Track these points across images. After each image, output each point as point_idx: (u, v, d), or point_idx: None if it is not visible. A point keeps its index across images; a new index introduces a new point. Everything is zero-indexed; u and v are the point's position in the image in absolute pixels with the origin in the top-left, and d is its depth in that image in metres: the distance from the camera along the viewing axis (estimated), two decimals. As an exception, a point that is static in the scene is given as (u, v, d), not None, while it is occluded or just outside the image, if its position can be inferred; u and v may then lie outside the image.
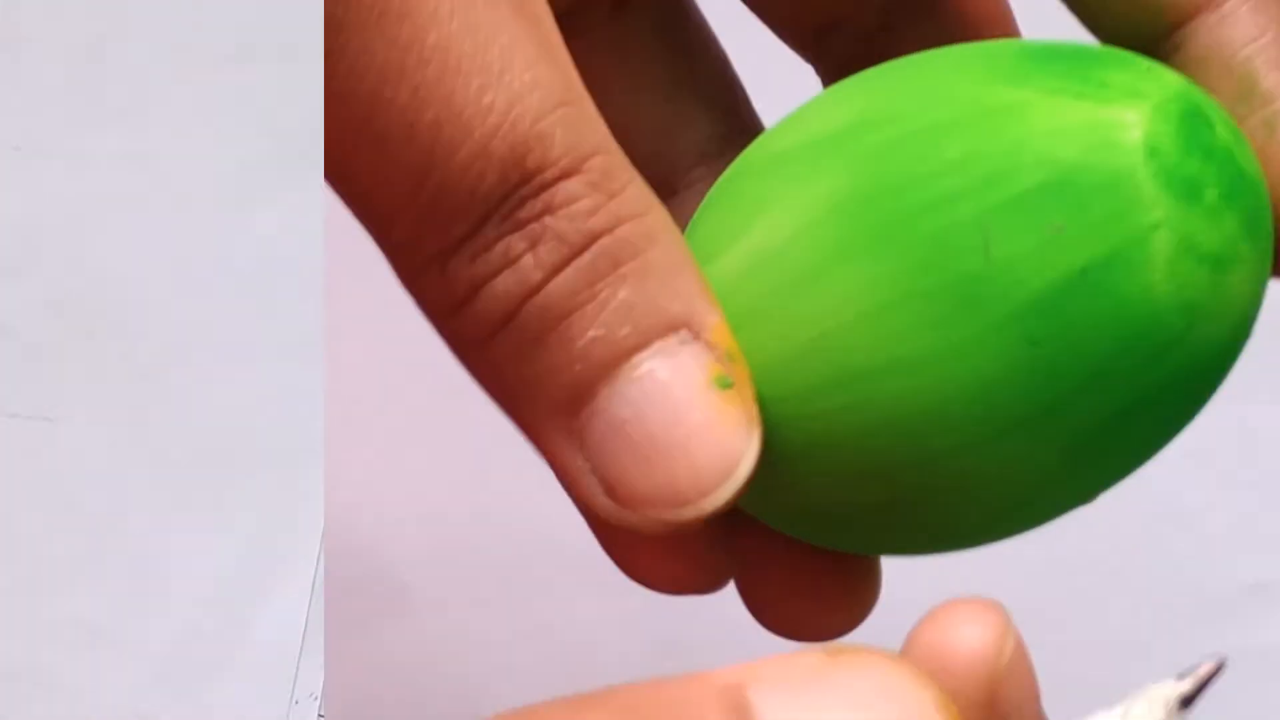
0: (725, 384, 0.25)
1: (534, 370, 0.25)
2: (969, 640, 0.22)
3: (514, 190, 0.24)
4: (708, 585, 0.30)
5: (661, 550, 0.29)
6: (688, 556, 0.29)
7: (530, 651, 0.56)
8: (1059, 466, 0.27)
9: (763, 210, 0.27)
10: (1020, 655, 0.23)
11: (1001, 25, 0.32)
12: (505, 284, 0.25)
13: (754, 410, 0.26)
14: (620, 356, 0.25)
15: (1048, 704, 0.23)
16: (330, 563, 0.62)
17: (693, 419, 0.25)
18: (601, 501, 0.25)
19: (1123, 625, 0.64)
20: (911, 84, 0.27)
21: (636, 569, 0.29)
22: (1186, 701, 0.21)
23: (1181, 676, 0.22)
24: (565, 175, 0.24)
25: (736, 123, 0.33)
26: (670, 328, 0.25)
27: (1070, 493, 0.28)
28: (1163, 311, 0.25)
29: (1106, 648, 0.62)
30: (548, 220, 0.24)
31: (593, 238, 0.25)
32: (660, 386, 0.25)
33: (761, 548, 0.30)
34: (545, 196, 0.24)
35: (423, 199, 0.24)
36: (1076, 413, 0.26)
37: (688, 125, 0.33)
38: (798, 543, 0.29)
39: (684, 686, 0.21)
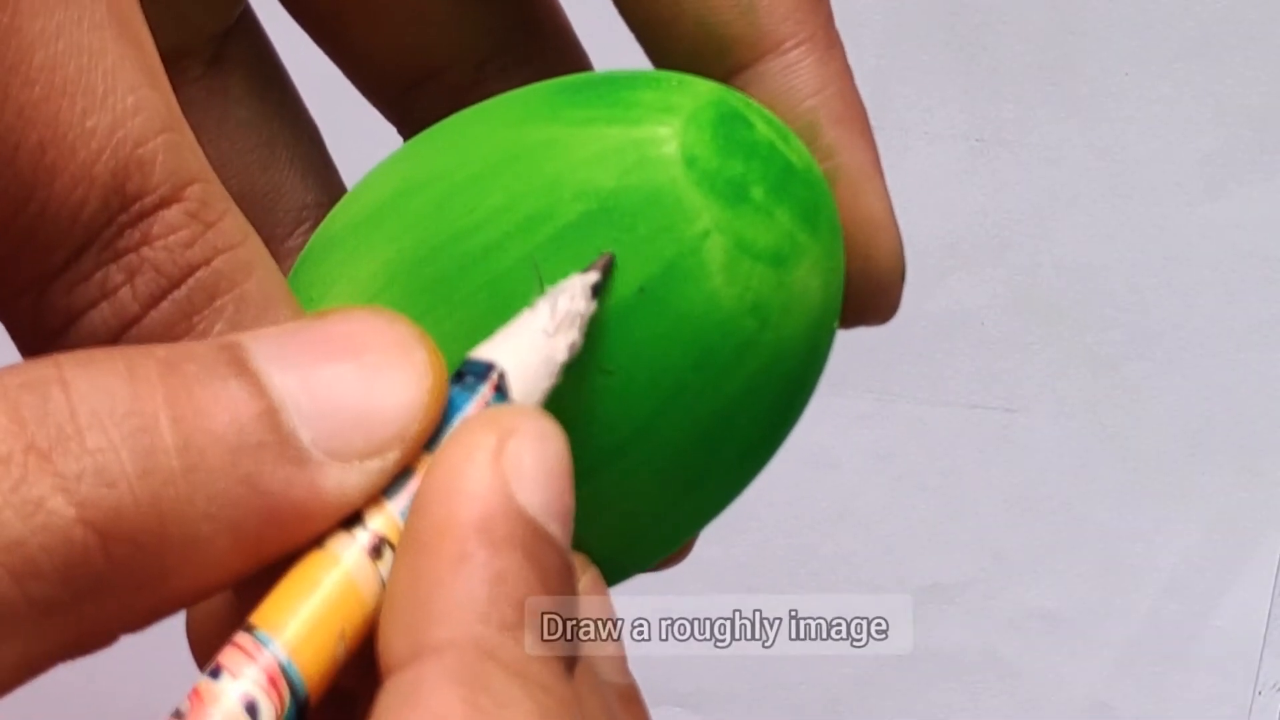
0: None
1: None
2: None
3: (114, 218, 0.24)
4: None
5: None
6: None
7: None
8: (664, 489, 0.26)
9: (324, 297, 0.27)
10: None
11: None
12: (102, 315, 0.24)
13: None
14: None
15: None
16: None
17: None
18: None
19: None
20: (451, 140, 0.27)
21: None
22: (596, 290, 0.24)
23: (588, 270, 0.24)
24: (164, 204, 0.24)
25: (331, 191, 0.33)
26: None
27: (687, 511, 0.27)
28: (731, 316, 0.25)
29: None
30: (145, 251, 0.24)
31: (189, 270, 0.24)
32: None
33: None
34: (144, 226, 0.24)
35: (22, 224, 0.24)
36: (667, 431, 0.26)
37: (284, 193, 0.32)
38: None
39: (186, 344, 0.23)
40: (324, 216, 0.30)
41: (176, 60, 0.26)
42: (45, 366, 0.21)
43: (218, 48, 0.32)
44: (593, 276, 0.24)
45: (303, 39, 0.32)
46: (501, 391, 0.23)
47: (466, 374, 0.23)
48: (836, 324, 0.27)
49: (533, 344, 0.24)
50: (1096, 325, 0.63)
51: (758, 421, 0.26)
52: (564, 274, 0.25)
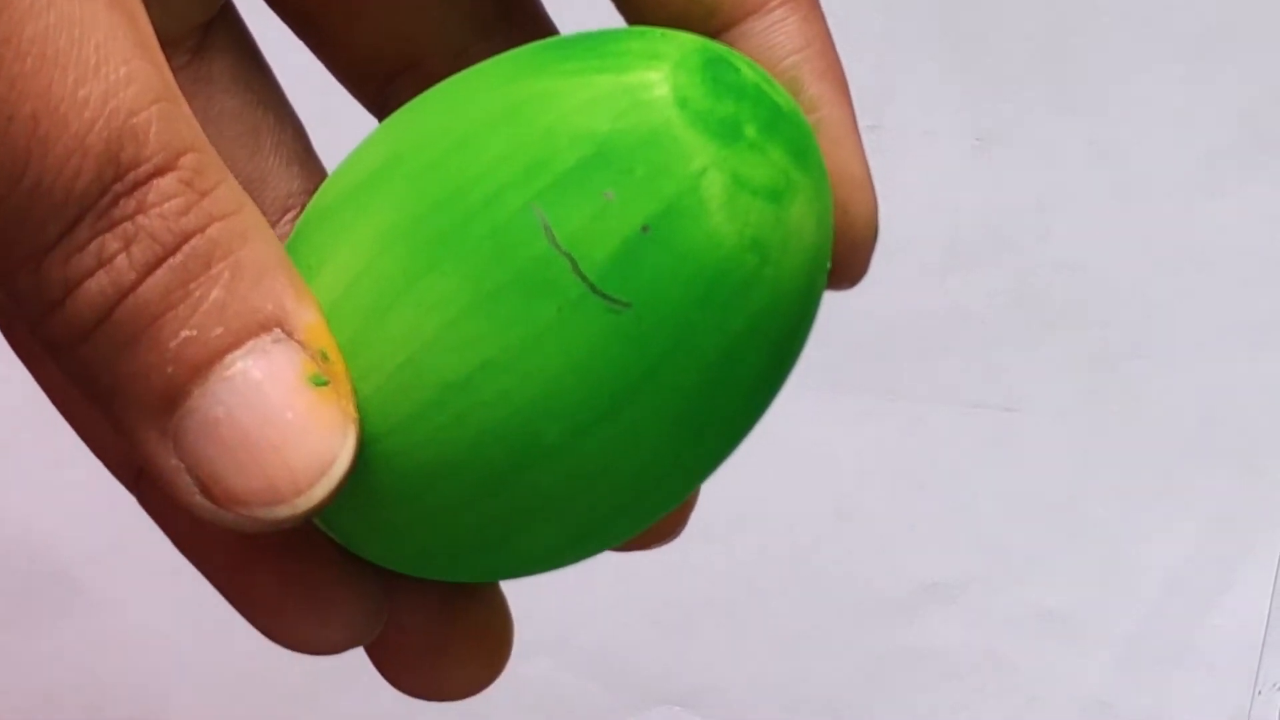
0: (320, 382, 0.26)
1: (128, 371, 0.25)
2: None
3: (109, 187, 0.24)
4: (347, 642, 0.30)
5: (301, 608, 0.29)
6: (325, 612, 0.29)
7: (209, 650, 0.55)
8: (672, 436, 0.27)
9: (323, 264, 0.27)
10: None
11: None
12: (99, 284, 0.25)
13: (350, 408, 0.26)
14: (213, 357, 0.25)
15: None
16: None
17: (286, 418, 0.25)
18: (198, 501, 0.25)
19: (800, 624, 0.63)
20: (441, 105, 0.27)
21: (275, 629, 0.29)
22: None
23: None
24: (159, 172, 0.25)
25: (315, 178, 0.33)
26: (263, 327, 0.25)
27: (692, 460, 0.28)
28: (732, 252, 0.26)
29: (783, 646, 0.62)
30: (141, 219, 0.24)
31: (185, 237, 0.25)
32: (253, 385, 0.25)
33: (397, 606, 0.30)
34: (139, 194, 0.24)
35: (17, 197, 0.24)
36: (676, 372, 0.26)
37: (269, 181, 0.33)
38: (431, 601, 0.30)
39: None
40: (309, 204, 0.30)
41: (161, 49, 0.26)
42: None
43: (202, 36, 0.32)
44: None
45: (281, 31, 0.32)
46: None
47: None
48: (829, 266, 0.27)
49: None
50: (1096, 325, 0.63)
51: (761, 361, 0.27)
52: (566, 220, 0.25)
